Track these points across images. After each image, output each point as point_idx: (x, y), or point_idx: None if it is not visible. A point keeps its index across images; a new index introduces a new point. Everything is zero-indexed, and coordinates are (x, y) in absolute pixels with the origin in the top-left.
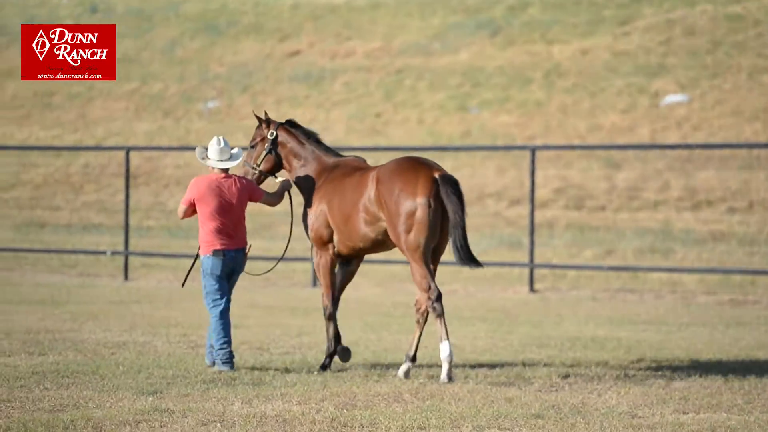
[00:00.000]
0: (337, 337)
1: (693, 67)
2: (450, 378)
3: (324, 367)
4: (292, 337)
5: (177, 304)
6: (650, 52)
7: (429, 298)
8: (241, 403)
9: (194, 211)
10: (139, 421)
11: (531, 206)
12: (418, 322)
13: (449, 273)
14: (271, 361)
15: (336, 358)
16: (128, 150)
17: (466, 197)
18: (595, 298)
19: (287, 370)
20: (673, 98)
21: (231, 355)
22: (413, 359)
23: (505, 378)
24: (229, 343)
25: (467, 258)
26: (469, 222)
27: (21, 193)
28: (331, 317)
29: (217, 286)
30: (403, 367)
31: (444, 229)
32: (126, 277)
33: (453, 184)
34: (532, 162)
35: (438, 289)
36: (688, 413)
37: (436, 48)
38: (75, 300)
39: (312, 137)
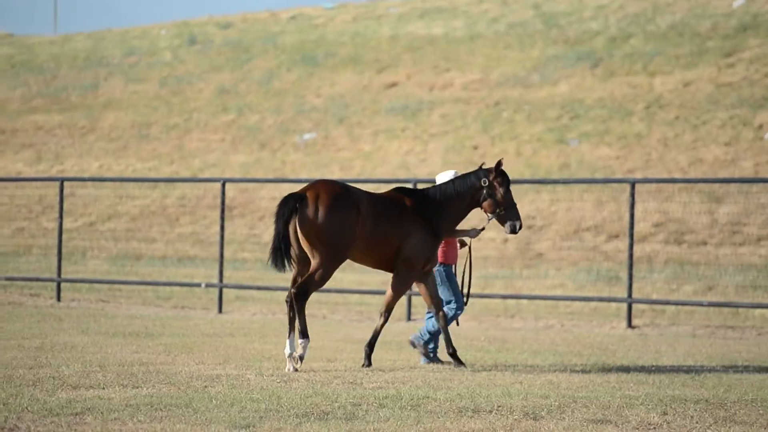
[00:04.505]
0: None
1: None
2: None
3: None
4: (385, 372)
5: (271, 337)
6: (755, 84)
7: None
8: None
9: None
10: None
11: (630, 240)
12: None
13: (546, 307)
14: (364, 396)
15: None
16: (224, 182)
17: (564, 231)
18: (695, 335)
19: (381, 405)
20: None
21: (428, 351)
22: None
23: (602, 415)
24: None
25: (273, 263)
26: (567, 255)
27: (117, 225)
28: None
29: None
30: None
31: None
32: (220, 309)
33: (283, 203)
34: (632, 195)
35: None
36: None
37: (534, 80)
38: (169, 332)
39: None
